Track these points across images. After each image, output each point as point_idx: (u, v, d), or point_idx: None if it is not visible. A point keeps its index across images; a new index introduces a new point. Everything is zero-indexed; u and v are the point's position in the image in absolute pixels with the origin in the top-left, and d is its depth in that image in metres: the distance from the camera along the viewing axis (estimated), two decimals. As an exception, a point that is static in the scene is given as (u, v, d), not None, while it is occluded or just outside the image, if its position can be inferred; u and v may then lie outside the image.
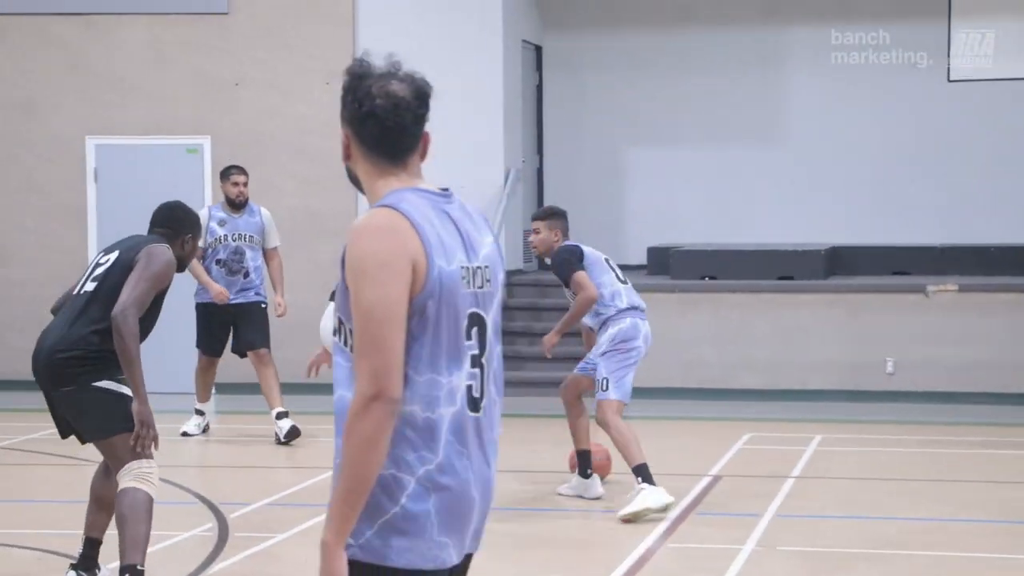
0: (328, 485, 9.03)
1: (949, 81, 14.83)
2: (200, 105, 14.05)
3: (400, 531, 3.02)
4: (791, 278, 13.50)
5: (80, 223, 13.83)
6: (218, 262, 10.83)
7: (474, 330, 3.09)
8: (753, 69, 15.21)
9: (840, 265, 14.20)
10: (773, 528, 7.95)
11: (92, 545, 6.58)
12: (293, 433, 10.52)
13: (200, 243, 10.61)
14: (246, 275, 10.86)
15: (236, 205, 10.91)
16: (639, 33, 15.43)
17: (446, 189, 3.18)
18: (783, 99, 15.25)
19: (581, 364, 8.67)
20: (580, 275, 8.35)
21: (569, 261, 8.39)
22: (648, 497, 8.08)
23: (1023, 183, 14.48)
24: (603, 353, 8.36)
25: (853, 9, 14.92)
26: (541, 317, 14.08)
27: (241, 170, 11.10)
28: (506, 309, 14.18)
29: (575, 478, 8.82)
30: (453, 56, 14.08)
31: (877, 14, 14.81)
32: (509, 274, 14.45)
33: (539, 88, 15.81)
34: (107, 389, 6.25)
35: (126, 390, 6.26)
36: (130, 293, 6.16)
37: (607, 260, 8.60)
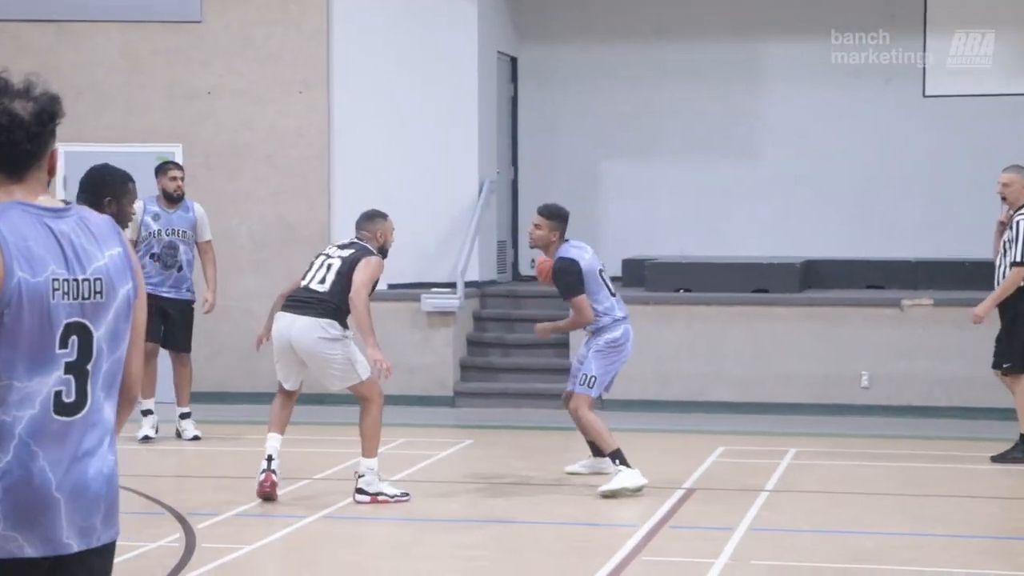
0: (301, 495, 8.91)
1: (924, 96, 14.81)
2: (172, 113, 13.93)
3: None
4: (766, 291, 13.44)
5: (50, 231, 13.68)
6: (152, 256, 11.10)
7: (72, 339, 3.30)
8: (729, 83, 15.16)
9: (815, 278, 14.15)
10: (746, 542, 7.86)
11: None
12: (195, 439, 11.28)
13: (133, 236, 10.73)
14: (179, 269, 11.23)
15: (172, 199, 11.19)
16: (615, 45, 15.38)
17: (68, 203, 3.42)
18: (759, 113, 15.19)
19: (573, 381, 9.24)
20: (580, 300, 8.97)
21: (571, 284, 8.95)
22: (626, 478, 8.85)
23: (998, 198, 14.43)
24: (596, 351, 9.05)
25: (828, 25, 14.87)
26: (514, 328, 14.01)
27: (178, 166, 11.51)
28: (479, 320, 14.11)
29: (589, 459, 9.57)
30: (428, 66, 14.03)
31: (853, 30, 14.77)
32: (482, 284, 14.37)
33: (514, 100, 15.74)
34: None
35: None
36: None
37: (600, 272, 9.12)
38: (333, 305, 8.41)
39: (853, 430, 12.13)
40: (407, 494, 8.76)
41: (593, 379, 9.02)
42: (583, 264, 9.00)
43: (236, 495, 8.94)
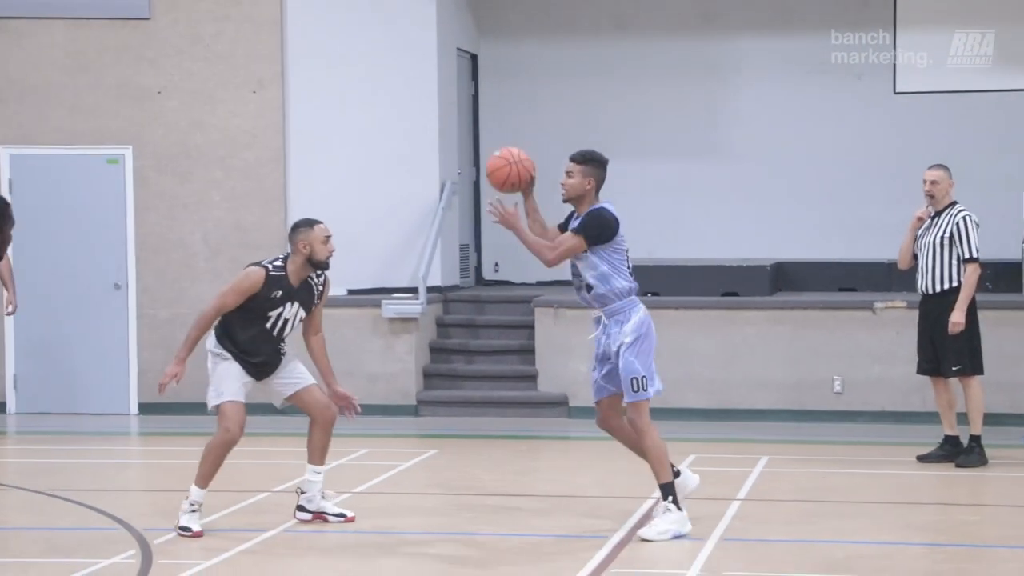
0: (261, 508, 8.98)
1: (895, 93, 14.99)
2: (121, 114, 13.94)
3: None
4: (736, 294, 13.55)
5: (-6, 236, 13.64)
6: None
7: None
8: (695, 79, 15.29)
9: (786, 281, 14.30)
10: (718, 552, 7.96)
11: None
12: None
13: None
14: None
15: None
16: (576, 41, 15.48)
17: None
18: (727, 110, 15.33)
19: (597, 385, 8.41)
20: (576, 245, 8.01)
21: (596, 229, 8.05)
22: (675, 521, 8.15)
23: (970, 198, 14.61)
24: (629, 345, 8.14)
25: (795, 19, 15.05)
26: (478, 334, 14.06)
27: None
28: (442, 326, 14.16)
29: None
30: (386, 64, 14.08)
31: (820, 24, 14.95)
32: (445, 289, 14.41)
33: (475, 98, 15.80)
34: None
35: None
36: None
37: (626, 252, 8.33)
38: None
39: (826, 437, 12.25)
40: (344, 515, 8.59)
41: (644, 379, 8.10)
42: (620, 228, 8.15)
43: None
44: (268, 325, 8.37)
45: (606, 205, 8.18)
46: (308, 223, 8.43)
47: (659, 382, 8.33)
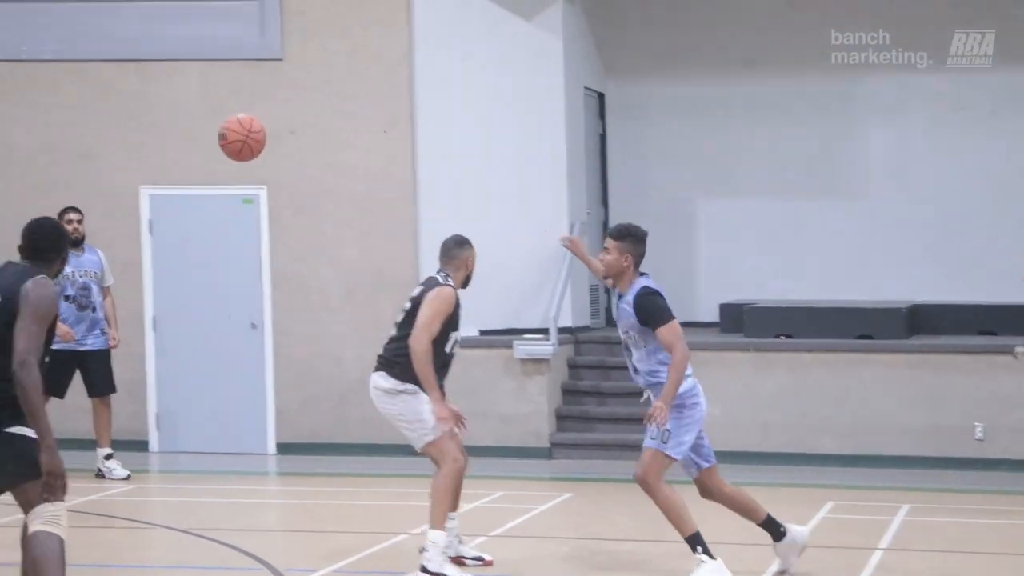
0: (402, 551, 8.97)
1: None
2: (256, 154, 14.11)
3: None
4: (871, 337, 13.40)
5: (135, 275, 13.88)
6: (67, 298, 11.85)
7: None
8: (827, 116, 15.18)
9: (923, 324, 14.08)
10: (867, 604, 7.87)
11: None
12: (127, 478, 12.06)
13: None
14: (93, 310, 12.06)
15: (74, 243, 11.83)
16: (705, 79, 15.45)
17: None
18: (860, 148, 15.19)
19: (685, 461, 8.12)
20: (674, 326, 7.74)
21: (662, 307, 7.79)
22: (708, 573, 7.90)
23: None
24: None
25: (933, 51, 14.83)
26: (610, 376, 14.02)
27: (76, 209, 12.25)
28: (573, 367, 14.15)
29: (777, 546, 8.36)
30: (514, 104, 14.16)
31: (954, 60, 14.75)
32: (576, 331, 14.39)
33: (603, 137, 15.82)
34: (19, 435, 6.14)
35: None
36: (26, 341, 6.07)
37: None
38: (389, 354, 8.29)
39: (969, 485, 12.06)
40: (481, 558, 8.56)
41: (667, 433, 7.74)
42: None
43: (333, 550, 9.04)
44: (448, 348, 8.35)
45: (646, 283, 7.94)
46: (468, 240, 8.64)
47: (682, 450, 7.92)
